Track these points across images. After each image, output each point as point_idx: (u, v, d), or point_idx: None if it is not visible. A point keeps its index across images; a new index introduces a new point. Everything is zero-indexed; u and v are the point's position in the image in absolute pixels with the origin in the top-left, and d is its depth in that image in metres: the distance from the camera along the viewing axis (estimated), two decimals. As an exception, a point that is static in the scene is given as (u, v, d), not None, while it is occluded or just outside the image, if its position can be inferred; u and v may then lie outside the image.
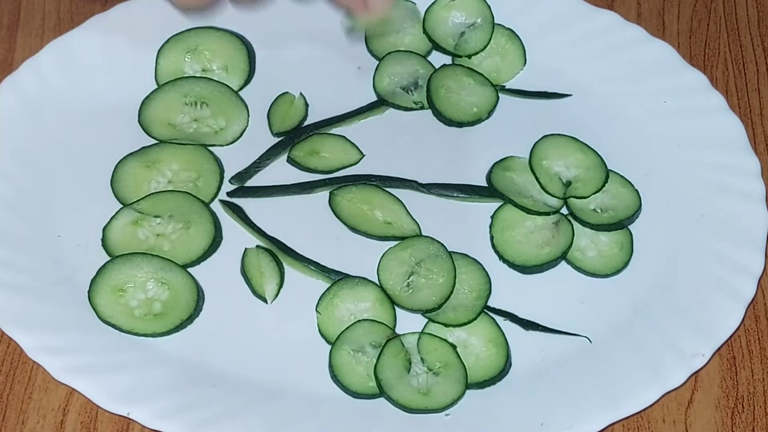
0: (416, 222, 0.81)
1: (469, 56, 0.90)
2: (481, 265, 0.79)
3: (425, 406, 0.73)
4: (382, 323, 0.76)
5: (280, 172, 0.85)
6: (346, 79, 0.89)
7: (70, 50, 0.87)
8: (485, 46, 0.90)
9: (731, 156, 0.84)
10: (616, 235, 0.81)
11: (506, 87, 0.89)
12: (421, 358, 0.75)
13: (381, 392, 0.74)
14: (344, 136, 0.86)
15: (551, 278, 0.80)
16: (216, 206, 0.83)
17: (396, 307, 0.78)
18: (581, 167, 0.83)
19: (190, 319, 0.77)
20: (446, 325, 0.77)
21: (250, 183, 0.84)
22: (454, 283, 0.78)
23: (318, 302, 0.77)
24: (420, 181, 0.84)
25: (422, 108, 0.88)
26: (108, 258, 0.79)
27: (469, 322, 0.77)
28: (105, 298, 0.76)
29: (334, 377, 0.75)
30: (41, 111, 0.85)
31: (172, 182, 0.83)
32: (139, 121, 0.86)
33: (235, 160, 0.85)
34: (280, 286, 0.79)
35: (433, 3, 0.90)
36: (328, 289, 0.78)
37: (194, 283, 0.78)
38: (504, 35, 0.90)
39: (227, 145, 0.86)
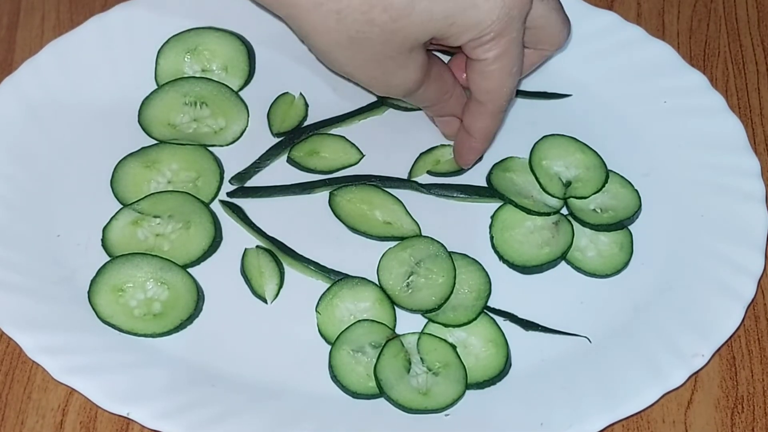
0: (416, 222, 0.81)
1: (469, 56, 0.90)
2: (481, 265, 0.79)
3: (425, 406, 0.73)
4: (382, 323, 0.76)
5: (280, 172, 0.85)
6: (347, 79, 0.89)
7: (70, 50, 0.87)
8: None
9: (731, 156, 0.84)
10: (616, 235, 0.81)
11: (506, 87, 0.89)
12: (421, 358, 0.75)
13: (381, 392, 0.74)
14: (344, 136, 0.86)
15: (551, 278, 0.80)
16: (216, 206, 0.83)
17: (396, 307, 0.78)
18: (581, 167, 0.83)
19: (190, 319, 0.77)
20: (446, 325, 0.77)
21: (250, 183, 0.84)
22: (454, 283, 0.78)
23: (318, 302, 0.77)
24: (420, 181, 0.84)
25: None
26: (108, 258, 0.79)
27: (469, 322, 0.77)
28: (105, 298, 0.76)
29: (334, 377, 0.75)
30: (41, 111, 0.85)
31: (172, 182, 0.83)
32: (139, 121, 0.86)
33: (235, 160, 0.85)
34: (280, 286, 0.79)
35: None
36: (328, 289, 0.78)
37: (194, 283, 0.78)
38: (504, 35, 0.90)
39: (227, 145, 0.86)
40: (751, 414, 0.76)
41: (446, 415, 0.73)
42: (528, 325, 0.78)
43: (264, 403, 0.73)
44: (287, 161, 0.85)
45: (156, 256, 0.78)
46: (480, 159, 0.84)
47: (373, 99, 0.88)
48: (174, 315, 0.76)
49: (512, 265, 0.80)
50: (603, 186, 0.82)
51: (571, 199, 0.82)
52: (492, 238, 0.81)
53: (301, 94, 0.88)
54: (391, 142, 0.86)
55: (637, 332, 0.77)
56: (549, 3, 0.76)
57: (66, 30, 0.89)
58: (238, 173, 0.84)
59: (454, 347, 0.75)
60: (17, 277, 0.77)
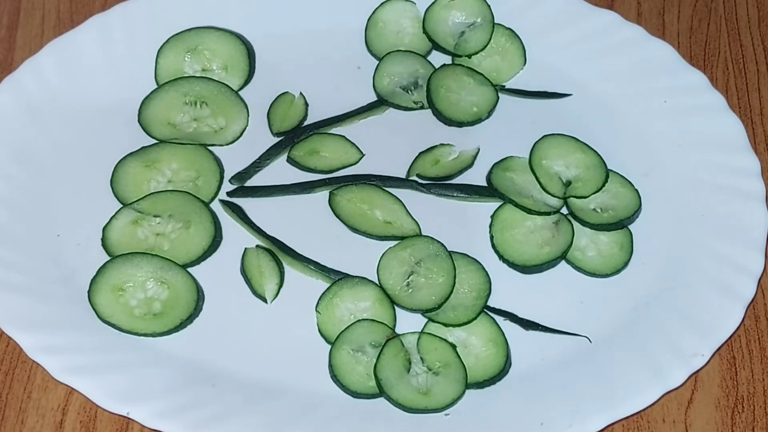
0: (416, 222, 0.81)
1: (469, 56, 0.90)
2: (481, 265, 0.79)
3: (425, 406, 0.73)
4: (382, 323, 0.76)
5: (280, 172, 0.85)
6: (346, 79, 0.89)
7: (70, 50, 0.87)
8: (485, 46, 0.90)
9: (731, 156, 0.84)
10: (616, 234, 0.81)
11: (506, 87, 0.89)
12: (421, 358, 0.75)
13: (381, 392, 0.74)
14: (344, 136, 0.86)
15: (551, 278, 0.80)
16: (216, 206, 0.83)
17: (396, 307, 0.78)
18: (581, 167, 0.83)
19: (190, 318, 0.77)
20: (446, 325, 0.77)
21: (250, 183, 0.84)
22: (454, 282, 0.77)
23: (318, 302, 0.77)
24: (420, 181, 0.84)
25: (422, 108, 0.88)
26: (108, 258, 0.79)
27: (469, 321, 0.77)
28: (105, 298, 0.76)
29: (334, 377, 0.75)
30: (41, 111, 0.85)
31: (172, 182, 0.83)
32: (139, 120, 0.86)
33: (235, 160, 0.85)
34: (280, 286, 0.79)
35: (433, 3, 0.90)
36: (328, 288, 0.78)
37: (194, 282, 0.78)
38: (504, 35, 0.90)
39: (227, 144, 0.86)
40: (751, 414, 0.76)
41: (446, 414, 0.73)
42: (528, 324, 0.78)
43: (264, 402, 0.73)
44: (287, 161, 0.85)
45: (156, 255, 0.78)
46: (472, 164, 0.84)
47: (373, 99, 0.88)
48: (174, 314, 0.76)
49: (512, 265, 0.80)
50: (603, 185, 0.82)
51: (572, 198, 0.82)
52: (492, 237, 0.81)
53: (301, 94, 0.88)
54: (391, 142, 0.86)
55: (637, 332, 0.77)
56: None
57: (66, 30, 0.89)
58: (238, 173, 0.84)
59: (454, 347, 0.75)
60: (17, 277, 0.77)
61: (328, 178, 0.84)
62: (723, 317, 0.76)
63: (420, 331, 0.77)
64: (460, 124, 0.87)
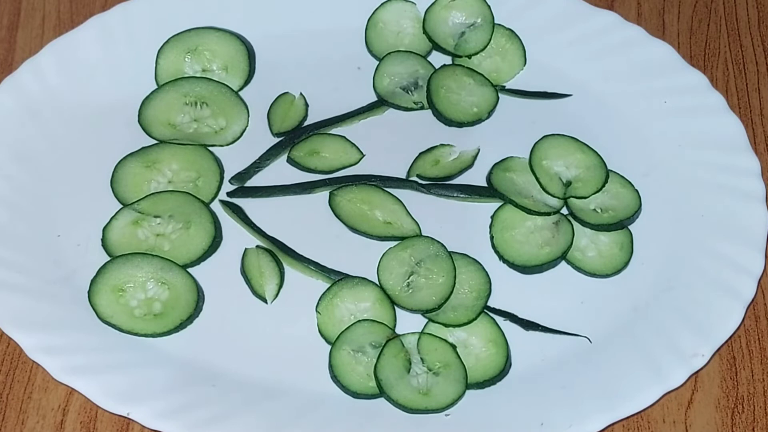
0: (416, 222, 0.81)
1: (469, 56, 0.90)
2: (481, 265, 0.79)
3: (425, 406, 0.73)
4: (382, 323, 0.76)
5: (280, 172, 0.85)
6: (346, 79, 0.89)
7: (70, 50, 0.87)
8: (485, 46, 0.90)
9: (731, 156, 0.84)
10: (616, 235, 0.81)
11: (506, 87, 0.89)
12: (421, 358, 0.75)
13: (381, 392, 0.74)
14: (344, 136, 0.86)
15: (551, 278, 0.80)
16: (216, 206, 0.83)
17: (396, 307, 0.78)
18: (581, 167, 0.83)
19: (190, 319, 0.77)
20: (446, 325, 0.77)
21: (250, 183, 0.84)
22: (454, 283, 0.78)
23: (318, 302, 0.77)
24: (420, 181, 0.84)
25: (422, 108, 0.88)
26: (108, 258, 0.79)
27: (469, 322, 0.77)
28: (105, 298, 0.76)
29: (334, 377, 0.75)
30: (41, 111, 0.85)
31: (172, 182, 0.83)
32: (139, 121, 0.86)
33: (235, 160, 0.85)
34: (280, 286, 0.79)
35: (433, 3, 0.90)
36: (328, 289, 0.78)
37: (194, 283, 0.78)
38: (504, 35, 0.90)
39: (227, 145, 0.86)
40: (751, 414, 0.76)
41: (446, 415, 0.73)
42: (528, 325, 0.78)
43: (264, 402, 0.73)
44: (287, 161, 0.85)
45: (156, 256, 0.78)
46: (472, 164, 0.84)
47: (373, 99, 0.88)
48: (174, 315, 0.76)
49: (512, 265, 0.80)
50: (603, 186, 0.82)
51: (572, 198, 0.82)
52: (492, 238, 0.81)
53: (301, 94, 0.88)
54: (391, 142, 0.86)
55: (637, 332, 0.77)
56: None
57: (66, 30, 0.89)
58: (238, 173, 0.84)
59: (454, 347, 0.75)
60: (17, 277, 0.77)
61: (328, 179, 0.84)
62: (723, 317, 0.76)
63: (420, 331, 0.77)
64: (460, 125, 0.87)
